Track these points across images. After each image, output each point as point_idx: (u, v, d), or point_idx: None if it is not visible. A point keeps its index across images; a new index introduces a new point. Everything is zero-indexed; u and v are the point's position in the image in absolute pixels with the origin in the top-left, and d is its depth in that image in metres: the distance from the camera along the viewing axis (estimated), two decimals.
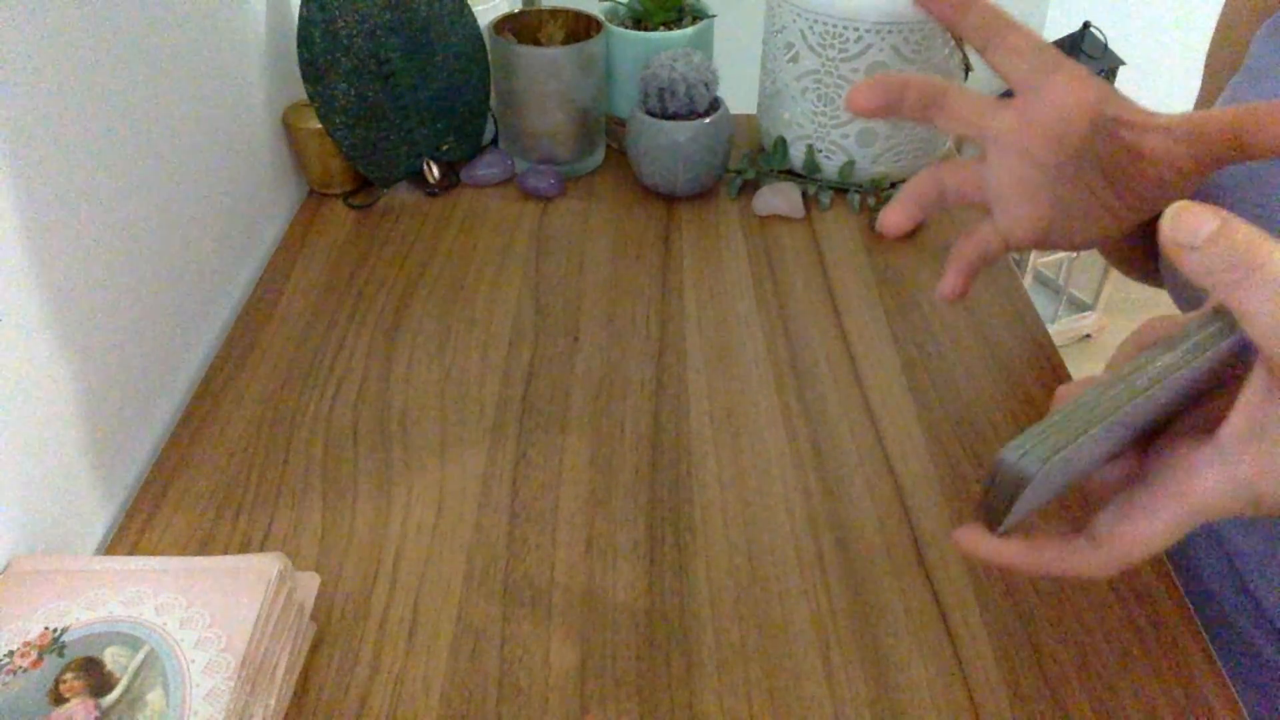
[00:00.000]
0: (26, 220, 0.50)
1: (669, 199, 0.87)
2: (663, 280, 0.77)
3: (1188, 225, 0.28)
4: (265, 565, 0.47)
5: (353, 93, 0.80)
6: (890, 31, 0.78)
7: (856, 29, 0.78)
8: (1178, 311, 0.49)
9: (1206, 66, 0.58)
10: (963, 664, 0.50)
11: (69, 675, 0.43)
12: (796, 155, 0.87)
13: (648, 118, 0.82)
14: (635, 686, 0.49)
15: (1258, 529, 0.54)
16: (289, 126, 0.83)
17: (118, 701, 0.42)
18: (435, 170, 0.86)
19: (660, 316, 0.73)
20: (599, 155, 0.92)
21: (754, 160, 0.88)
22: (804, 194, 0.86)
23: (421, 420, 0.64)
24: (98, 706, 0.42)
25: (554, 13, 0.89)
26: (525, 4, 1.04)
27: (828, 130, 0.84)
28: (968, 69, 0.84)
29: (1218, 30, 0.57)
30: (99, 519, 0.57)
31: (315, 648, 0.50)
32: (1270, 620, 0.54)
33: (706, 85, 0.81)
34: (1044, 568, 0.35)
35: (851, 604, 0.53)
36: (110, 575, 0.47)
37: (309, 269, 0.78)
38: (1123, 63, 2.11)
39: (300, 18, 0.77)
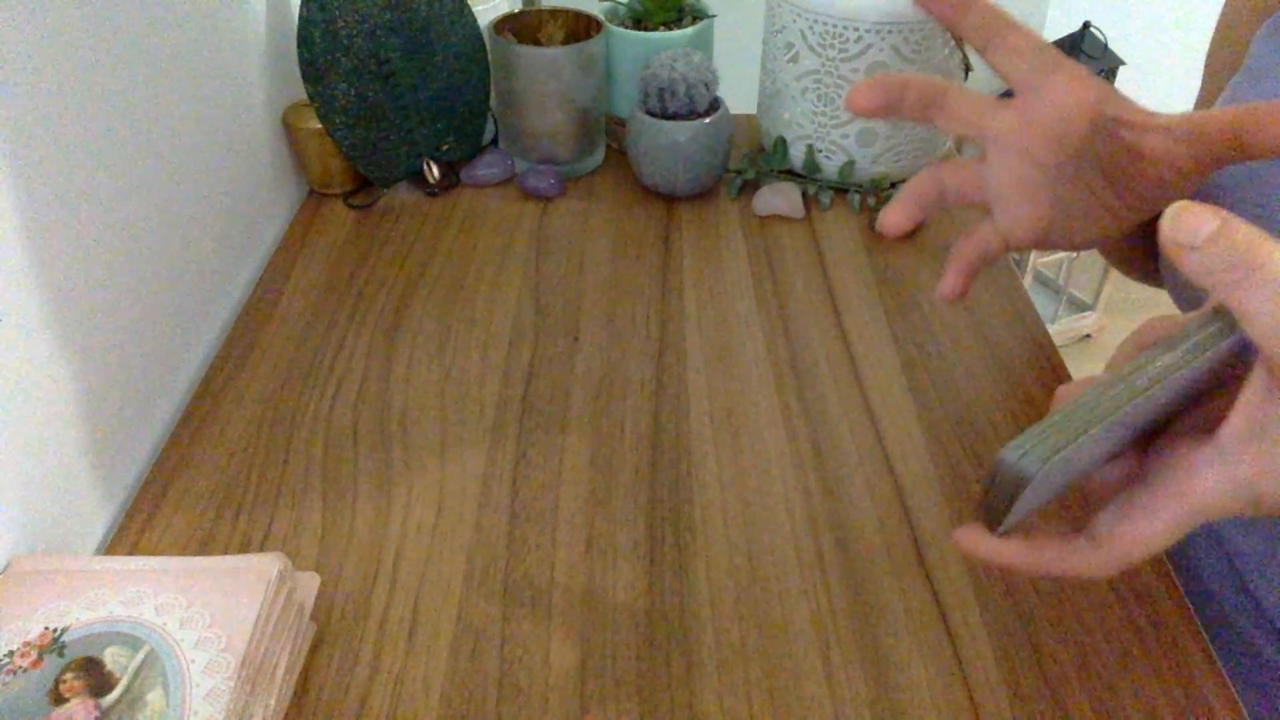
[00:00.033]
0: (26, 220, 0.50)
1: (669, 199, 0.87)
2: (663, 280, 0.77)
3: (1188, 225, 0.28)
4: (265, 565, 0.47)
5: (353, 93, 0.80)
6: (890, 31, 0.78)
7: (856, 29, 0.78)
8: (1178, 311, 0.49)
9: (1206, 66, 0.58)
10: (963, 664, 0.50)
11: (69, 675, 0.43)
12: (796, 155, 0.87)
13: (648, 118, 0.82)
14: (635, 686, 0.49)
15: (1258, 529, 0.54)
16: (289, 126, 0.83)
17: (118, 701, 0.42)
18: (435, 170, 0.86)
19: (660, 316, 0.73)
20: (599, 155, 0.92)
21: (754, 160, 0.88)
22: (804, 194, 0.86)
23: (421, 420, 0.64)
24: (98, 706, 0.42)
25: (554, 13, 0.89)
26: (525, 4, 1.04)
27: (828, 130, 0.84)
28: (968, 69, 0.84)
29: (1218, 30, 0.57)
30: (99, 519, 0.57)
31: (315, 648, 0.50)
32: (1270, 620, 0.54)
33: (706, 85, 0.81)
34: (1044, 568, 0.35)
35: (851, 604, 0.53)
36: (110, 575, 0.47)
37: (309, 269, 0.78)
38: (1123, 63, 2.11)
39: (300, 18, 0.77)
